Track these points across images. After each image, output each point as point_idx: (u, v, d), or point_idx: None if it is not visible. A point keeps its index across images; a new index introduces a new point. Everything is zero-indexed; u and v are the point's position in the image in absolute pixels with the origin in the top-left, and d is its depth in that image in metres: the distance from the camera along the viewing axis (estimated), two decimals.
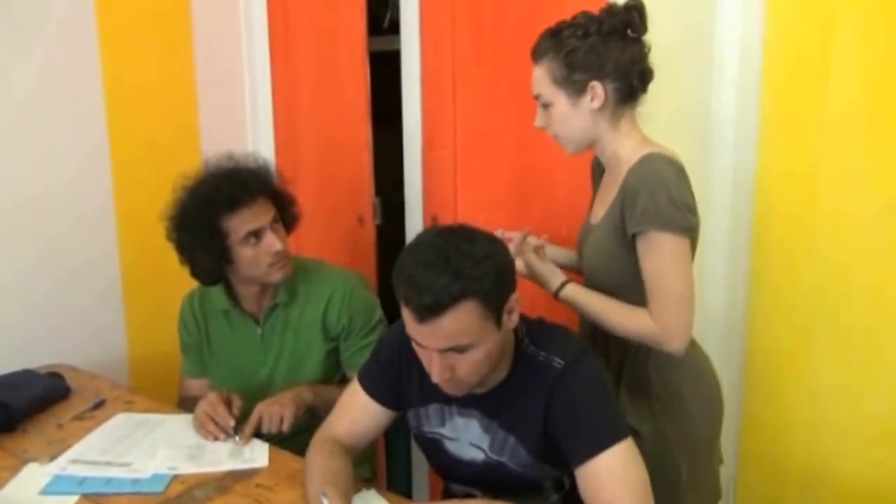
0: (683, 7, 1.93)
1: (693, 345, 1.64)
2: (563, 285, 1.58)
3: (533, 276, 1.62)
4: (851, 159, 1.85)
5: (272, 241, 1.78)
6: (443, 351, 1.29)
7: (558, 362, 1.37)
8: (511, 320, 1.34)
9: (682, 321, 1.47)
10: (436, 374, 1.32)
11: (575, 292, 1.57)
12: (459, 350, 1.29)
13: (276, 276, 1.82)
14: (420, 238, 1.35)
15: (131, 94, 2.49)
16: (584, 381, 1.36)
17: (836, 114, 1.87)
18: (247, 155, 1.91)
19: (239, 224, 1.76)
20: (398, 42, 2.27)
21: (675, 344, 1.48)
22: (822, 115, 1.89)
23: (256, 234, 1.77)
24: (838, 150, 1.87)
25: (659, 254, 1.45)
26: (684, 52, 1.94)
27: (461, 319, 1.25)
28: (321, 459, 1.46)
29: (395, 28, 2.32)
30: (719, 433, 1.67)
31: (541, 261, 1.62)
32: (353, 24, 2.38)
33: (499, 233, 1.48)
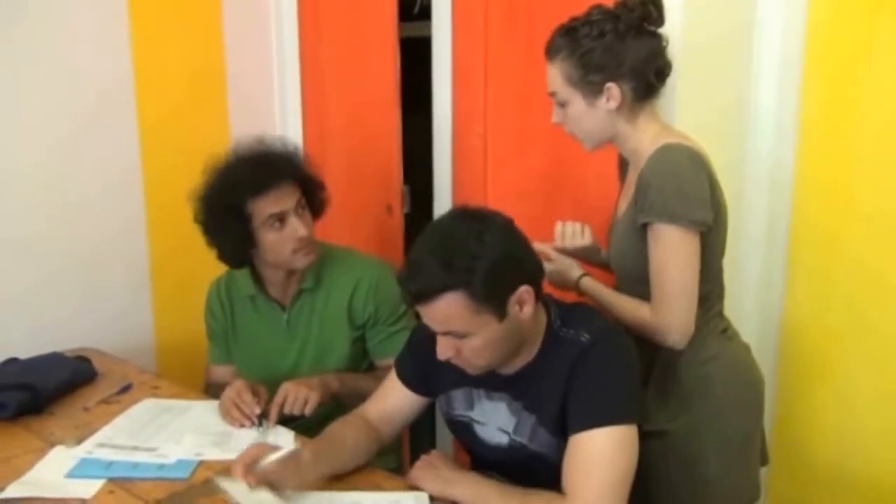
0: (724, 4, 1.89)
1: (731, 339, 1.62)
2: (582, 276, 1.64)
3: (552, 275, 1.65)
4: (892, 162, 1.80)
5: (296, 226, 1.76)
6: (442, 333, 1.34)
7: (585, 337, 1.37)
8: (523, 312, 1.34)
9: (681, 315, 1.47)
10: (439, 353, 1.36)
11: (592, 283, 1.63)
12: (457, 336, 1.32)
13: (301, 262, 1.81)
14: (442, 217, 1.40)
15: (161, 80, 2.49)
16: (606, 357, 1.35)
17: (878, 114, 1.81)
18: (276, 139, 1.90)
19: (262, 207, 1.74)
20: (429, 28, 2.25)
21: (673, 337, 1.48)
22: (863, 115, 1.84)
23: (280, 219, 1.75)
24: (879, 151, 1.82)
25: (663, 246, 1.46)
26: (724, 50, 1.90)
27: (448, 309, 1.29)
28: (334, 424, 1.55)
29: (425, 13, 2.30)
30: (756, 432, 1.64)
31: (562, 257, 1.68)
32: (383, 10, 2.35)
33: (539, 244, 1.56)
